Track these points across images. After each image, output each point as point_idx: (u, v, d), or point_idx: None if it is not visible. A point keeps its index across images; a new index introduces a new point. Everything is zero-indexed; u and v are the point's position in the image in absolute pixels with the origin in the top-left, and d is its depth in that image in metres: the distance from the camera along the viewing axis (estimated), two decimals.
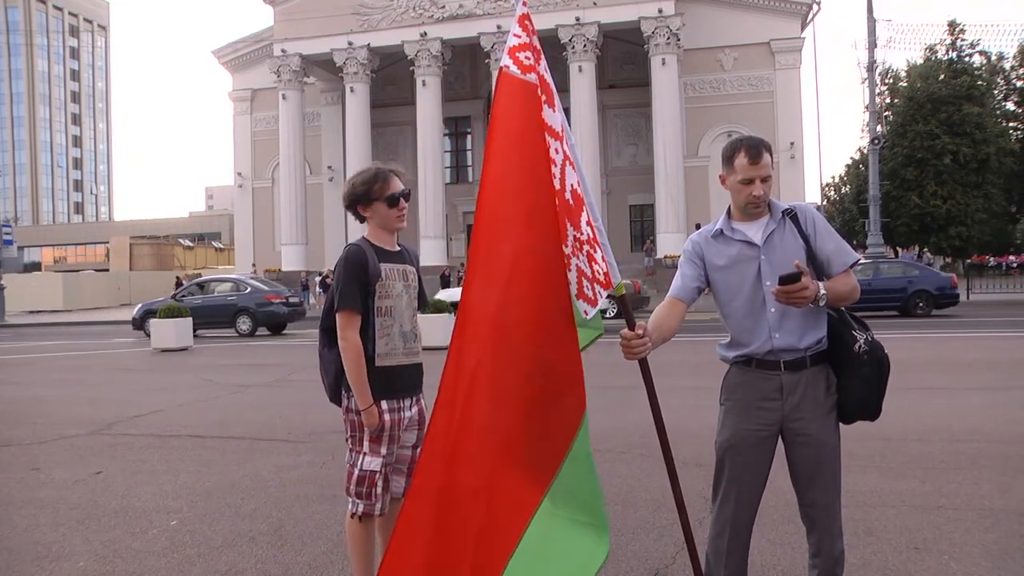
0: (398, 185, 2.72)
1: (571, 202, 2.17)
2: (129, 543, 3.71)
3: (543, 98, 2.15)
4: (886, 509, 3.84)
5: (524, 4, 2.18)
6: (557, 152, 2.16)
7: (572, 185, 2.18)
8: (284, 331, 18.58)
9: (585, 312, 2.16)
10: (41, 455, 5.69)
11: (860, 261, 2.55)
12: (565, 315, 2.11)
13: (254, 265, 35.63)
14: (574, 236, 2.16)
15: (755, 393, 2.34)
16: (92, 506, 4.34)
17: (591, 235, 2.19)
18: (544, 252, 2.09)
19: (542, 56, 2.19)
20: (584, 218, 2.19)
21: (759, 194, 2.28)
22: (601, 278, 2.18)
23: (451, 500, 2.04)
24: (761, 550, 3.28)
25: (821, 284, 2.22)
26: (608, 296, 2.24)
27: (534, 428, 2.09)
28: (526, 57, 2.15)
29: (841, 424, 2.39)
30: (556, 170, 2.16)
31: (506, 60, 2.16)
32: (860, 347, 2.25)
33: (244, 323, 17.51)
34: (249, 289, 18.19)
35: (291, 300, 18.35)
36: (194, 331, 15.83)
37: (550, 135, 2.15)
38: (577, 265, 2.16)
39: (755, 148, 2.26)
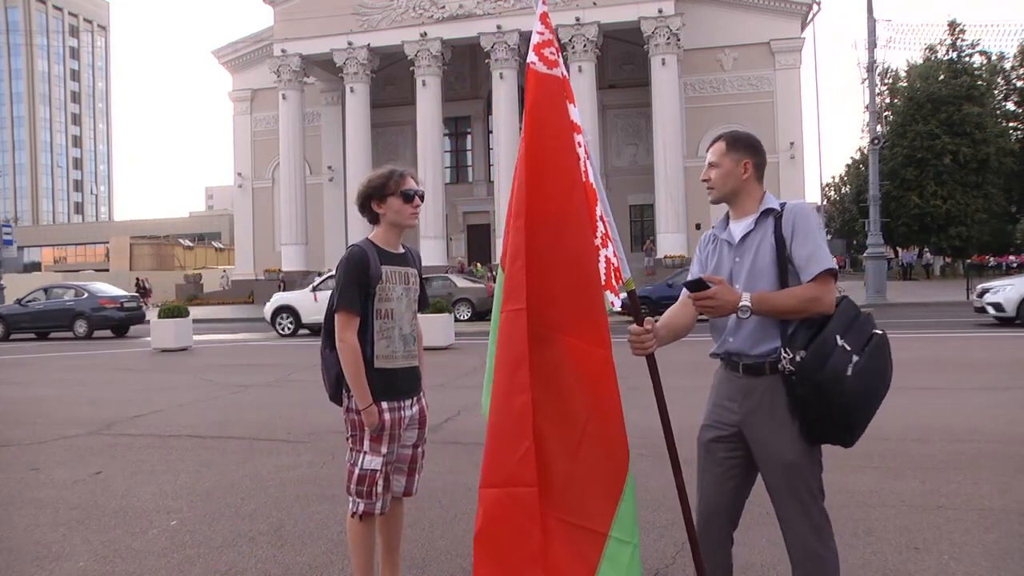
0: (413, 184, 2.76)
1: (591, 197, 2.24)
2: (129, 543, 3.71)
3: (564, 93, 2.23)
4: (886, 509, 3.84)
5: (544, 3, 2.26)
6: (579, 145, 2.23)
7: (590, 180, 2.24)
8: (127, 334, 19.69)
9: (612, 304, 2.21)
10: (41, 455, 5.69)
11: (832, 269, 2.49)
12: (601, 311, 2.13)
13: (224, 271, 35.85)
14: (599, 230, 2.24)
15: (723, 391, 2.35)
16: (92, 506, 4.34)
17: (602, 230, 2.24)
18: (582, 247, 2.13)
19: (560, 53, 2.27)
20: (598, 212, 2.24)
21: (704, 179, 2.34)
22: (612, 273, 2.24)
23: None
24: (761, 550, 3.28)
25: (747, 296, 2.11)
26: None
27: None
28: (551, 53, 2.21)
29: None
30: (581, 163, 2.22)
31: (532, 57, 2.21)
32: (783, 367, 2.11)
33: (81, 326, 18.89)
34: (86, 295, 19.53)
35: (126, 305, 19.83)
36: (44, 334, 18.97)
37: (572, 129, 2.22)
38: (605, 255, 2.23)
39: (714, 139, 2.37)
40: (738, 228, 2.30)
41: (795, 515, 2.20)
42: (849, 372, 2.06)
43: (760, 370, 2.22)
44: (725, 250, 2.32)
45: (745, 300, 2.11)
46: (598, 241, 2.20)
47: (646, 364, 2.27)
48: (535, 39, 2.22)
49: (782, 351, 2.12)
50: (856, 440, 2.18)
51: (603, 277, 2.21)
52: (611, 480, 2.08)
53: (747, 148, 2.30)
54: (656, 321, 2.30)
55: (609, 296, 2.20)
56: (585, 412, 2.06)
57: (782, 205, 2.26)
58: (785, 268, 2.18)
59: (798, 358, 2.09)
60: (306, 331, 17.44)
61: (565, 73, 2.24)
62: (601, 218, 2.24)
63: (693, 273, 2.42)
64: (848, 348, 2.09)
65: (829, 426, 2.13)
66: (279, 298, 18.50)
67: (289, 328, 17.52)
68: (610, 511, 2.07)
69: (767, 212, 2.26)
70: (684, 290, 2.39)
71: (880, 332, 2.19)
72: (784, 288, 2.16)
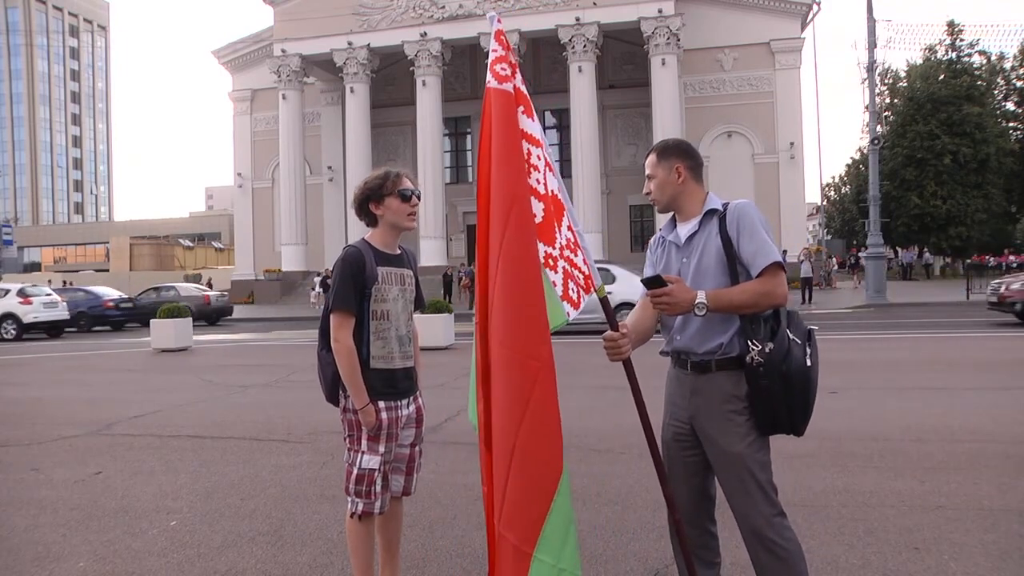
0: (410, 184, 2.78)
1: (552, 208, 2.26)
2: (129, 543, 3.71)
3: (520, 108, 2.27)
4: (886, 509, 3.84)
5: (499, 21, 2.33)
6: (539, 158, 2.27)
7: (553, 190, 2.28)
8: None
9: (568, 314, 2.23)
10: (41, 455, 5.69)
11: (779, 262, 2.29)
12: (539, 320, 2.13)
13: (190, 275, 36.45)
14: (560, 241, 2.25)
15: (674, 388, 2.41)
16: (92, 506, 4.34)
17: (572, 239, 2.27)
18: (523, 259, 2.14)
19: (517, 69, 2.32)
20: (565, 222, 2.28)
21: (645, 192, 2.42)
22: (581, 281, 2.26)
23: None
24: None
25: (702, 293, 2.17)
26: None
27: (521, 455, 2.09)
28: (502, 68, 2.27)
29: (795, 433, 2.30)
30: (540, 176, 2.26)
31: (488, 75, 2.30)
32: (752, 358, 2.17)
33: None
34: None
35: None
36: None
37: (530, 142, 2.26)
38: (564, 268, 2.25)
39: (648, 152, 2.44)
40: (684, 229, 2.38)
41: (749, 509, 2.23)
42: (809, 362, 2.19)
43: (707, 367, 2.28)
44: (673, 251, 2.39)
45: (701, 297, 2.17)
46: (556, 251, 2.22)
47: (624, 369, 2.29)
48: (491, 56, 2.29)
49: (750, 343, 2.18)
50: (806, 428, 2.26)
51: (560, 287, 2.22)
52: (537, 499, 2.04)
53: (678, 154, 2.37)
54: (627, 326, 2.33)
55: (565, 307, 2.22)
56: (516, 425, 2.05)
57: (725, 205, 2.32)
58: (734, 266, 2.24)
59: (767, 349, 2.16)
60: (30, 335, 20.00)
61: (522, 88, 2.28)
62: (569, 227, 2.27)
63: (646, 276, 2.46)
64: (799, 341, 2.20)
65: (789, 415, 2.20)
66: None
67: (12, 333, 19.68)
68: (535, 530, 2.02)
69: (710, 213, 2.32)
70: (642, 293, 2.42)
71: (812, 326, 2.33)
72: (734, 284, 2.23)
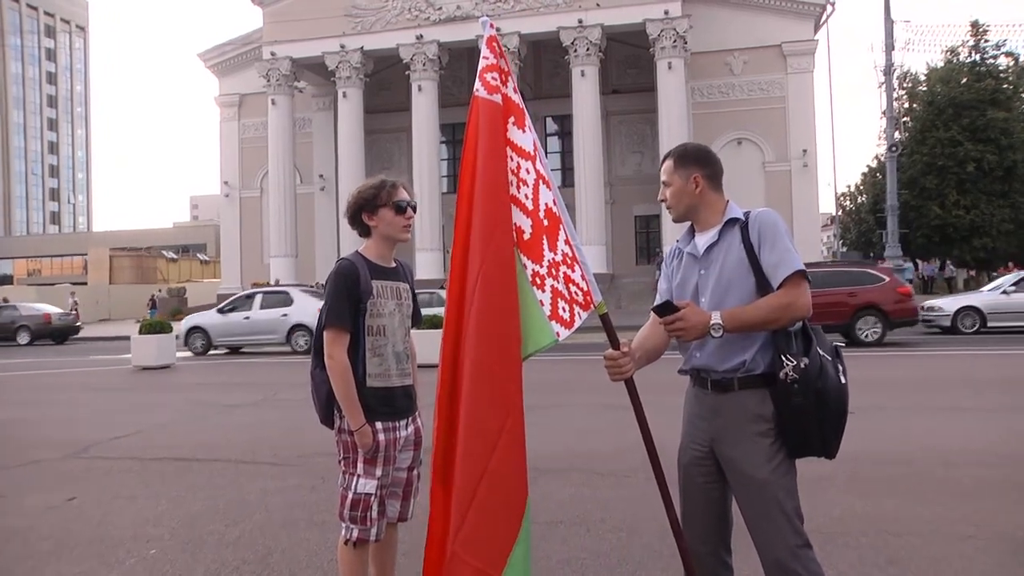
0: (405, 195, 2.78)
1: (546, 223, 2.25)
2: (104, 575, 3.68)
3: (511, 119, 2.28)
4: (910, 538, 3.81)
5: (492, 27, 2.34)
6: (529, 172, 2.28)
7: (547, 204, 2.27)
8: None
9: (557, 334, 2.23)
10: (9, 481, 5.65)
11: (802, 271, 2.50)
12: (517, 346, 2.18)
13: (173, 288, 36.68)
14: (551, 257, 2.24)
15: (693, 408, 2.39)
16: (65, 535, 4.30)
17: (569, 254, 2.24)
18: (499, 279, 2.18)
19: (510, 77, 2.33)
20: (561, 237, 2.26)
21: (660, 199, 2.41)
22: (580, 298, 2.24)
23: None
24: None
25: (716, 314, 2.15)
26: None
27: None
28: (492, 78, 2.28)
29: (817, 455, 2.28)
30: (528, 191, 2.26)
31: (477, 83, 2.32)
32: (787, 374, 2.13)
33: None
34: None
35: None
36: None
37: (520, 155, 2.27)
38: (552, 286, 2.24)
39: (664, 157, 2.43)
40: (703, 240, 2.35)
41: (772, 539, 2.19)
42: (843, 380, 2.18)
43: (728, 385, 2.25)
44: (690, 263, 2.36)
45: (716, 319, 2.15)
46: (544, 270, 2.23)
47: (625, 387, 2.28)
48: (481, 64, 2.31)
49: (784, 358, 2.15)
50: (838, 450, 2.24)
51: (548, 307, 2.23)
52: (508, 523, 2.11)
53: (695, 162, 2.35)
54: (630, 343, 2.31)
55: (554, 327, 2.22)
56: (490, 449, 2.11)
57: (746, 214, 2.30)
58: (761, 274, 2.22)
59: (802, 365, 2.13)
60: None
61: (514, 98, 2.30)
62: (566, 241, 2.27)
63: (661, 289, 2.47)
64: (829, 357, 2.19)
65: (821, 435, 2.18)
66: None
67: None
68: (504, 554, 2.09)
69: (731, 222, 2.30)
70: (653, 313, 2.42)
71: (838, 343, 2.34)
72: (759, 294, 2.20)
